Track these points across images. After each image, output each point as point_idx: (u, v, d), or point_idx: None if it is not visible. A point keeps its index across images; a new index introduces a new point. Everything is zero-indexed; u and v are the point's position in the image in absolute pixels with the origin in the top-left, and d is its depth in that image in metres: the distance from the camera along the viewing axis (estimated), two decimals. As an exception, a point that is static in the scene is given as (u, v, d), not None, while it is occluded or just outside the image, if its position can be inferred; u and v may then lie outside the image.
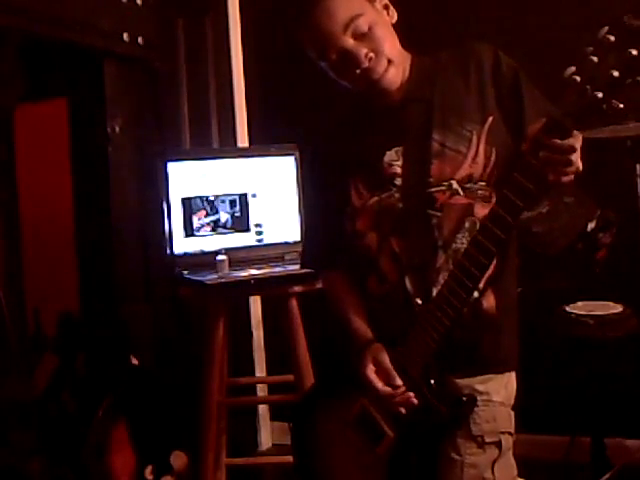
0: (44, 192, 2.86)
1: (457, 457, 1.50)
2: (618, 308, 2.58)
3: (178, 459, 2.40)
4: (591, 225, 2.61)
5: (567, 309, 2.62)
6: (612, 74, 1.16)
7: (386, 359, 1.50)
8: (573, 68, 1.20)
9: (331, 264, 1.72)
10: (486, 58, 1.51)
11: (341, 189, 1.59)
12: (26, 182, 2.53)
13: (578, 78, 1.19)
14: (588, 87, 1.18)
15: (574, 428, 2.75)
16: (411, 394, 1.47)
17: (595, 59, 1.17)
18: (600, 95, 1.17)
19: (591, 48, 1.17)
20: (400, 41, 1.56)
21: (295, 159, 2.76)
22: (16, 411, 2.17)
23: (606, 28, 1.16)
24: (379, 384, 1.49)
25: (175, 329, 2.90)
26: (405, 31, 1.57)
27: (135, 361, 2.50)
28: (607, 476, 2.59)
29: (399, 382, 1.48)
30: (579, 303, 2.65)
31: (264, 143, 3.19)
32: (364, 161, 1.56)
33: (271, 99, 3.46)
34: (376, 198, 1.54)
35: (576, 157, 1.27)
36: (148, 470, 2.32)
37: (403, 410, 1.48)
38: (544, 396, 2.85)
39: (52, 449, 2.18)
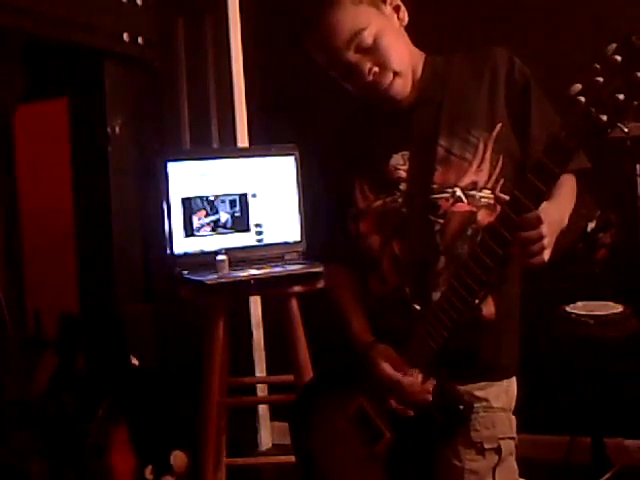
0: (44, 192, 2.86)
1: (458, 463, 1.50)
2: (618, 308, 2.58)
3: (178, 459, 2.39)
4: (591, 225, 2.61)
5: (567, 309, 2.62)
6: (617, 97, 1.13)
7: (396, 355, 1.49)
8: (579, 87, 1.17)
9: (333, 259, 1.72)
10: (501, 63, 1.49)
11: (346, 188, 1.59)
12: (26, 182, 2.53)
13: (583, 99, 1.16)
14: (593, 109, 1.15)
15: (574, 428, 2.75)
16: (429, 386, 1.46)
17: (601, 79, 1.14)
18: (605, 118, 1.15)
19: (598, 66, 1.14)
20: (413, 40, 1.55)
21: (295, 159, 2.76)
22: (16, 411, 2.17)
23: (613, 46, 1.13)
24: (398, 375, 1.47)
25: (175, 329, 2.90)
26: (419, 30, 1.55)
27: (135, 361, 2.50)
28: (607, 476, 2.59)
29: (417, 371, 1.46)
30: (579, 303, 2.65)
31: (264, 143, 3.19)
32: (370, 163, 1.55)
33: (271, 99, 3.46)
34: (380, 201, 1.53)
35: (538, 233, 1.26)
36: (148, 470, 2.32)
37: (412, 412, 1.47)
38: (544, 396, 2.85)
39: (52, 449, 2.18)
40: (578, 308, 2.61)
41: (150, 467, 2.33)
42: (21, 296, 2.40)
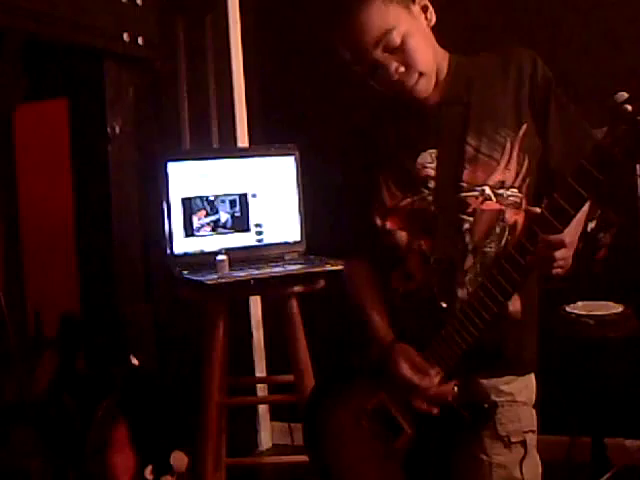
0: (44, 192, 2.85)
1: (485, 457, 1.52)
2: (618, 308, 2.58)
3: (178, 459, 2.39)
4: (591, 225, 2.61)
5: (567, 309, 2.62)
6: None
7: (416, 355, 1.50)
8: (625, 95, 1.17)
9: (355, 254, 1.71)
10: (526, 65, 1.50)
11: (370, 185, 1.59)
12: (26, 182, 2.53)
13: (629, 107, 1.16)
14: (639, 118, 1.16)
15: (574, 428, 2.75)
16: (449, 387, 1.47)
17: None
18: None
19: None
20: (439, 40, 1.55)
21: (295, 159, 2.76)
22: (16, 411, 2.17)
23: None
24: (415, 377, 1.48)
25: (175, 329, 2.90)
26: (445, 29, 1.55)
27: (135, 361, 2.50)
28: (607, 476, 2.59)
29: (435, 372, 1.47)
30: (579, 303, 2.65)
31: (264, 143, 3.19)
32: (397, 161, 1.56)
33: (271, 99, 3.46)
34: (409, 200, 1.54)
35: (561, 254, 1.31)
36: (148, 470, 2.32)
37: (436, 410, 1.48)
38: (544, 396, 2.84)
39: (52, 449, 2.18)
40: (578, 308, 2.62)
41: (150, 467, 2.33)
42: (21, 296, 2.40)
